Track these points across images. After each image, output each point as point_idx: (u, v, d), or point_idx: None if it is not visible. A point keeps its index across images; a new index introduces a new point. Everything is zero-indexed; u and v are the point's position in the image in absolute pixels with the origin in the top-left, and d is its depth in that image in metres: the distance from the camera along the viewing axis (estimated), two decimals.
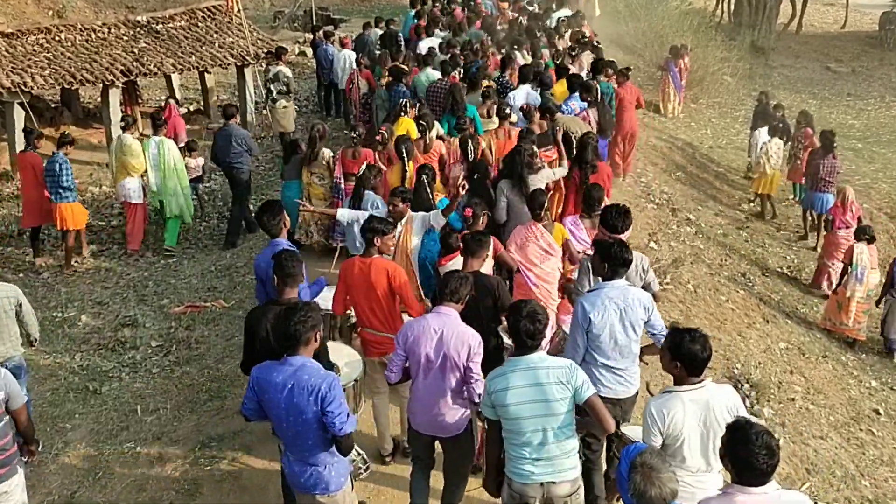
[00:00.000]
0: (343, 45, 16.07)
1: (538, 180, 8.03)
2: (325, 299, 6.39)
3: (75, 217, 10.91)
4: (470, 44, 13.98)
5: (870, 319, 11.14)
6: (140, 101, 16.56)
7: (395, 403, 6.53)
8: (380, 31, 16.80)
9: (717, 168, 16.52)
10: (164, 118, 12.48)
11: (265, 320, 5.31)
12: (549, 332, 6.81)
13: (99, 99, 15.13)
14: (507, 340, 5.95)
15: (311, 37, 17.02)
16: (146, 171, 11.19)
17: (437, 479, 5.67)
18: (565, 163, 8.58)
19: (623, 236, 6.08)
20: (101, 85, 14.23)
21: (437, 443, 5.53)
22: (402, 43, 15.67)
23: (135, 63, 14.51)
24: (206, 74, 16.21)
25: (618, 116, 12.17)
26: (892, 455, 8.60)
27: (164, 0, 23.34)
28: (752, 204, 15.05)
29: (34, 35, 14.79)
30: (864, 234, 10.89)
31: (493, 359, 5.62)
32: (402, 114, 10.16)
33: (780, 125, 14.94)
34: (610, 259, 5.42)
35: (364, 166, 8.80)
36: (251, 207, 11.64)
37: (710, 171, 16.29)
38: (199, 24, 16.46)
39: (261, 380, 4.56)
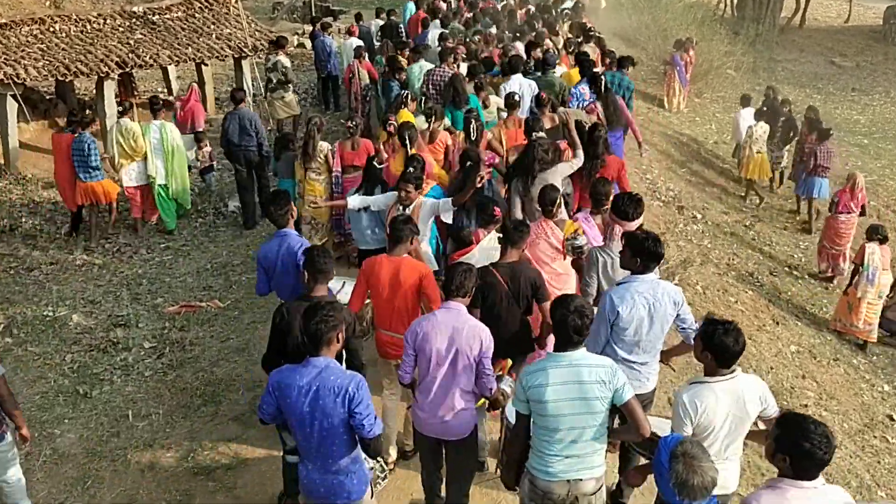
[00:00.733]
0: (350, 34, 15.87)
1: (554, 176, 7.71)
2: (348, 294, 6.23)
3: (107, 192, 11.28)
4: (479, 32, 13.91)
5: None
6: (136, 93, 16.27)
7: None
8: (381, 22, 16.70)
9: (722, 164, 16.29)
10: (181, 102, 13.03)
11: (299, 317, 5.12)
12: None
13: (94, 91, 14.85)
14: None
15: (312, 28, 16.86)
16: (147, 155, 11.30)
17: None
18: (580, 152, 8.13)
19: (634, 224, 5.97)
20: (95, 77, 13.96)
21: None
22: (404, 34, 15.53)
23: (130, 55, 14.22)
24: (204, 66, 15.93)
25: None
26: None
27: None
28: (756, 200, 14.83)
29: (28, 26, 14.48)
30: (877, 234, 10.64)
31: (524, 340, 5.75)
32: (403, 106, 9.95)
33: (787, 120, 14.76)
34: (642, 253, 5.20)
35: (369, 157, 8.58)
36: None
37: (715, 167, 16.06)
38: (197, 15, 16.17)
39: (282, 384, 4.37)
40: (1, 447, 5.53)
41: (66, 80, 14.48)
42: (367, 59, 14.20)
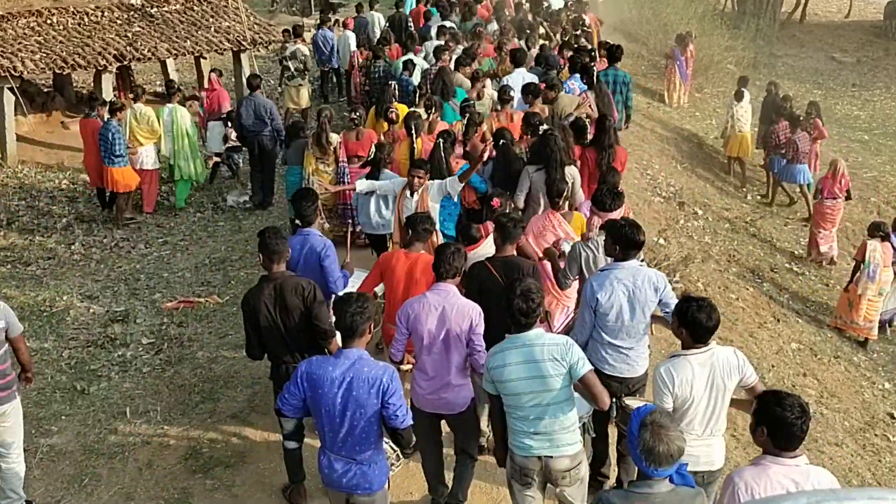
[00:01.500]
0: (345, 27, 15.85)
1: (573, 169, 7.75)
2: (355, 285, 6.31)
3: (126, 180, 11.54)
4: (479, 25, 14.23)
5: None
6: (133, 86, 16.17)
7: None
8: (379, 15, 16.72)
9: (723, 160, 16.21)
10: (206, 92, 13.39)
11: (262, 297, 5.45)
12: (563, 318, 6.88)
13: (92, 84, 14.77)
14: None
15: (317, 21, 16.93)
16: (160, 138, 11.85)
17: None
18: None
19: (613, 215, 6.08)
20: (93, 70, 13.88)
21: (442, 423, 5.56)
22: (411, 27, 15.62)
23: (128, 47, 14.17)
24: (202, 60, 15.85)
25: None
26: None
27: None
28: (759, 197, 14.80)
29: (25, 18, 14.42)
30: (879, 230, 10.59)
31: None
32: (393, 98, 10.18)
33: (789, 116, 14.70)
34: (621, 241, 5.35)
35: (374, 146, 8.62)
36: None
37: (716, 163, 16.00)
38: (195, 7, 16.11)
39: (312, 375, 4.43)
40: (12, 406, 5.80)
41: (64, 73, 14.41)
42: (364, 50, 14.25)
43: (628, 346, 5.44)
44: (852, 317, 10.68)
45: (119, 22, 15.04)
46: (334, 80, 16.57)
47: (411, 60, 12.14)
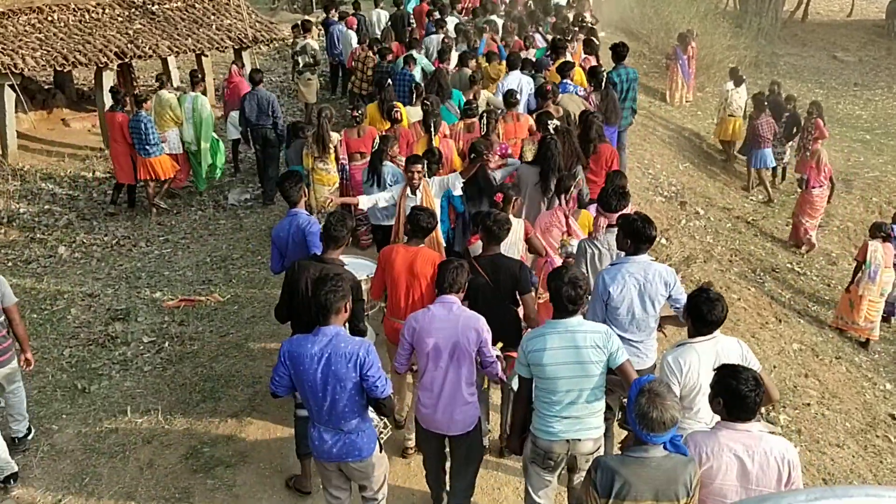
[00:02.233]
0: (348, 25, 15.84)
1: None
2: (355, 268, 6.32)
3: (164, 168, 11.80)
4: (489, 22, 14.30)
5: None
6: (135, 83, 16.15)
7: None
8: (381, 12, 16.68)
9: (718, 146, 16.19)
10: (226, 83, 13.55)
11: (306, 274, 5.65)
12: None
13: (93, 81, 14.74)
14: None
15: (325, 16, 16.82)
16: (182, 123, 12.13)
17: None
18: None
19: (617, 216, 6.09)
20: (94, 67, 13.85)
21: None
22: (413, 25, 15.63)
23: (129, 45, 14.12)
24: (203, 57, 15.81)
25: None
26: None
27: None
28: (759, 196, 14.78)
29: (25, 15, 14.37)
30: (880, 231, 10.56)
31: (512, 332, 5.79)
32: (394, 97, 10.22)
33: (791, 116, 14.68)
34: (633, 235, 5.46)
35: (377, 139, 8.59)
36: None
37: (717, 163, 15.97)
38: (196, 5, 16.05)
39: (293, 353, 4.64)
40: (12, 366, 6.39)
41: (65, 70, 14.38)
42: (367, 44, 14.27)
43: (638, 339, 5.53)
44: (853, 317, 10.67)
45: (120, 19, 14.99)
46: (340, 73, 16.57)
47: (412, 55, 12.15)
